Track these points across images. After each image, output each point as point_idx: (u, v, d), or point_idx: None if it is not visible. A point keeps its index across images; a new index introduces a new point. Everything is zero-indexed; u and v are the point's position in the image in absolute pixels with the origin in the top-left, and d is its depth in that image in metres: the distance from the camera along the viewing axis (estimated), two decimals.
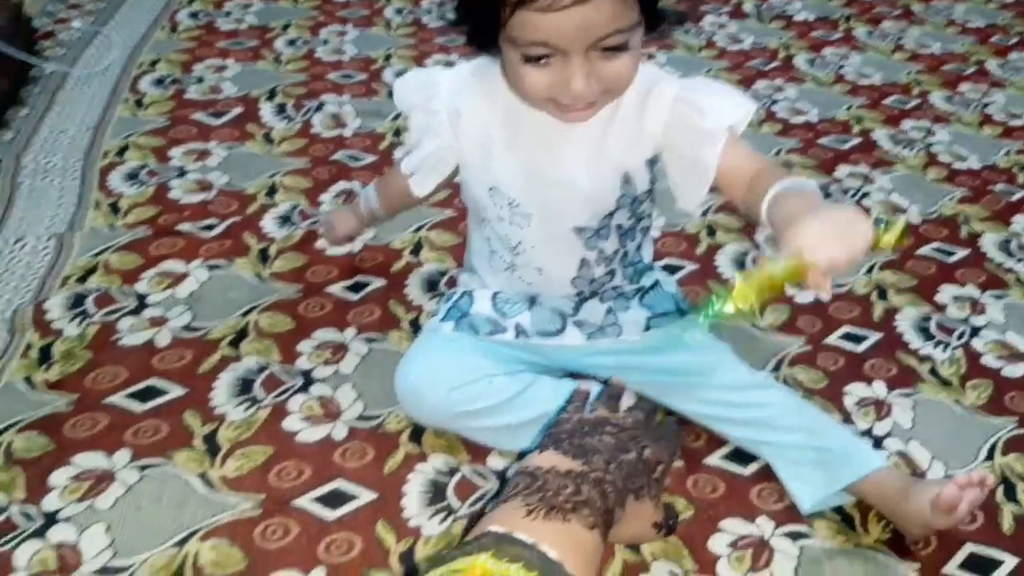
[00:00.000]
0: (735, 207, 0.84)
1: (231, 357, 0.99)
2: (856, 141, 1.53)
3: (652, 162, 0.81)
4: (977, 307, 1.14)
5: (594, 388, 0.79)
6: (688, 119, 0.76)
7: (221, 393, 0.95)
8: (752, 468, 0.89)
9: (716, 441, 0.90)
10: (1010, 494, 0.88)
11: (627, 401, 0.70)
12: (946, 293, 1.17)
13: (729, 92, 0.78)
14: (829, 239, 0.58)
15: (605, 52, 0.68)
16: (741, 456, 0.90)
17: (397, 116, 1.51)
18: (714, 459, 0.90)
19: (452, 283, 1.12)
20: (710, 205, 1.30)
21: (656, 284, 0.93)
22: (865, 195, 1.37)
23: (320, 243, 1.19)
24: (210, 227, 1.21)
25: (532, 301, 0.90)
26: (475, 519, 0.82)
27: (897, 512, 0.80)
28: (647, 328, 0.91)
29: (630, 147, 0.79)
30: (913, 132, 1.56)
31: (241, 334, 1.03)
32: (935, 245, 1.26)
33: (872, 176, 1.42)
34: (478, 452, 0.89)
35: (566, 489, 0.52)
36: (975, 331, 1.10)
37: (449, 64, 1.69)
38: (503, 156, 0.81)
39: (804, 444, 0.84)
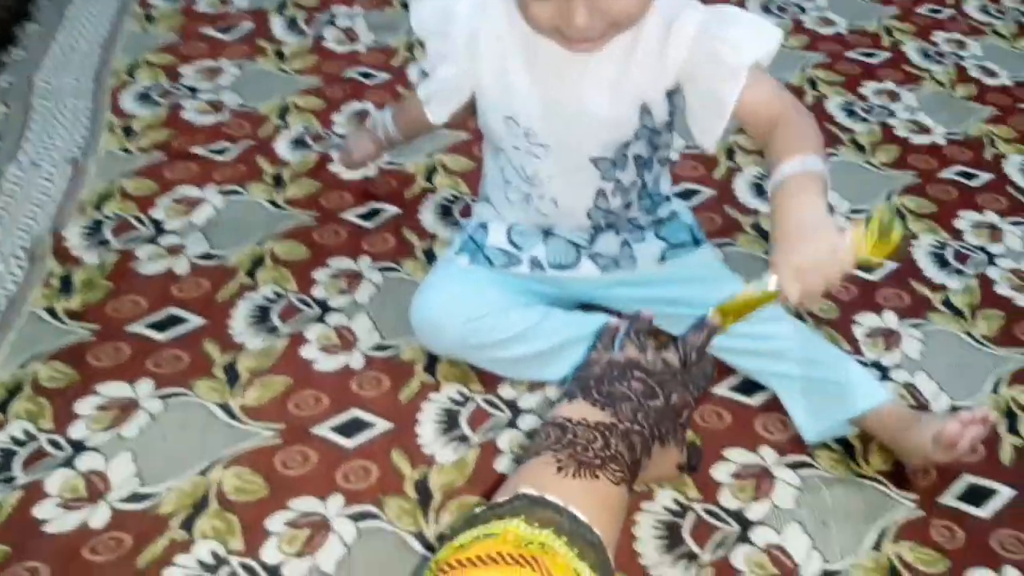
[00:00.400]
0: (754, 139, 0.83)
1: (248, 285, 1.01)
2: (885, 55, 1.47)
3: (672, 93, 0.79)
4: (996, 234, 1.13)
5: (623, 325, 0.78)
6: (711, 52, 0.74)
7: (239, 322, 0.97)
8: (758, 399, 0.91)
9: (724, 371, 0.92)
10: (1012, 426, 0.89)
11: (656, 343, 0.69)
12: (966, 219, 1.15)
13: (756, 22, 0.75)
14: (806, 273, 0.62)
15: None
16: (748, 387, 0.91)
17: (411, 29, 1.46)
18: (722, 389, 0.92)
19: (466, 211, 1.12)
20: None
21: (672, 215, 0.93)
22: (891, 113, 1.33)
23: (334, 167, 1.18)
24: (224, 151, 1.21)
25: (547, 233, 0.90)
26: (490, 448, 0.85)
27: (899, 444, 0.82)
28: (662, 260, 0.91)
29: (650, 77, 0.77)
30: (944, 45, 1.50)
31: (258, 262, 1.04)
32: (958, 168, 1.24)
33: (899, 93, 1.38)
34: (490, 381, 0.91)
35: (595, 443, 0.53)
36: (991, 259, 1.09)
37: None
38: (520, 84, 0.79)
39: (812, 376, 0.85)
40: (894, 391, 0.92)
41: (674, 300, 0.88)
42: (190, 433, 0.85)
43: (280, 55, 1.40)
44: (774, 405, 0.89)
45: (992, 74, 1.44)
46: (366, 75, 1.36)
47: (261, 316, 0.98)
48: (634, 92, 0.78)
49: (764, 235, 1.11)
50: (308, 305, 0.99)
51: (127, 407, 0.88)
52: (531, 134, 0.81)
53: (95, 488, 0.80)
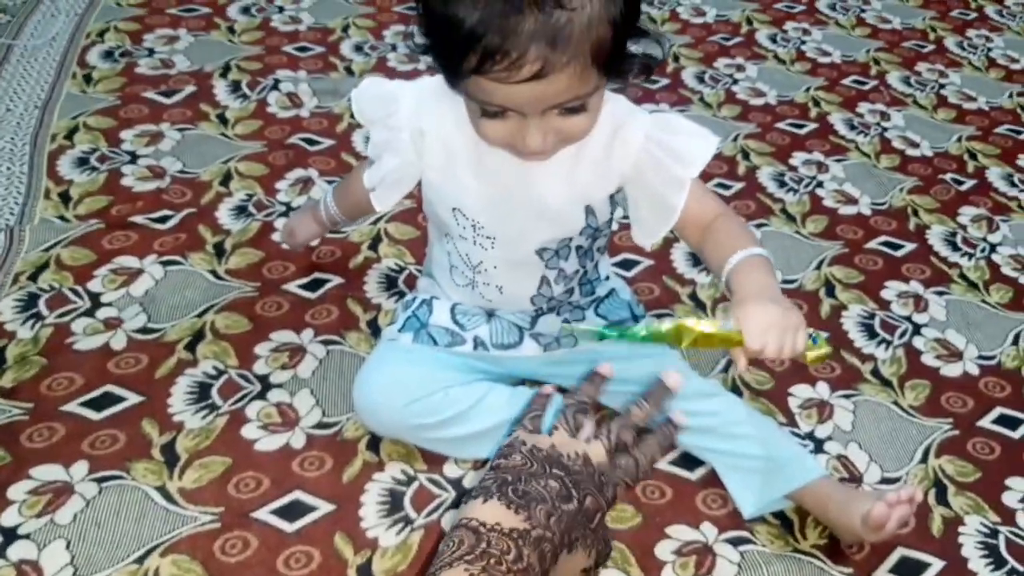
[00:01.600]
0: (689, 245, 0.87)
1: (188, 361, 1.00)
2: (813, 126, 1.54)
3: (614, 195, 0.83)
4: (920, 304, 1.18)
5: (555, 397, 0.79)
6: (658, 162, 0.78)
7: (178, 399, 0.95)
8: (699, 473, 0.92)
9: None
10: (941, 497, 0.93)
11: (588, 430, 0.70)
12: (892, 289, 1.20)
13: (698, 132, 0.79)
14: (771, 333, 0.67)
15: (564, 111, 0.68)
16: (688, 461, 0.93)
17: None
18: (662, 464, 0.93)
19: (412, 282, 1.12)
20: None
21: (611, 292, 0.95)
22: (819, 184, 1.39)
23: (277, 236, 1.18)
24: (164, 219, 1.19)
25: (490, 314, 0.91)
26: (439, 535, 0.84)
27: (832, 521, 0.85)
28: (600, 339, 0.92)
29: (595, 181, 0.80)
30: (869, 116, 1.58)
31: (198, 336, 1.03)
32: (884, 239, 1.29)
33: (826, 164, 1.44)
34: (435, 460, 0.91)
35: (508, 555, 0.54)
36: (917, 329, 1.14)
37: (408, 36, 1.66)
38: (468, 179, 0.81)
39: (749, 452, 0.87)
40: (828, 463, 0.95)
41: (615, 378, 0.90)
42: (126, 519, 0.83)
43: (223, 119, 1.40)
44: (714, 479, 0.91)
45: (914, 144, 1.51)
46: (310, 141, 1.37)
47: (201, 393, 0.96)
48: (580, 193, 0.81)
49: (701, 305, 1.15)
50: (249, 381, 0.98)
51: (61, 491, 0.85)
52: (478, 226, 0.83)
53: None
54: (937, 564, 0.86)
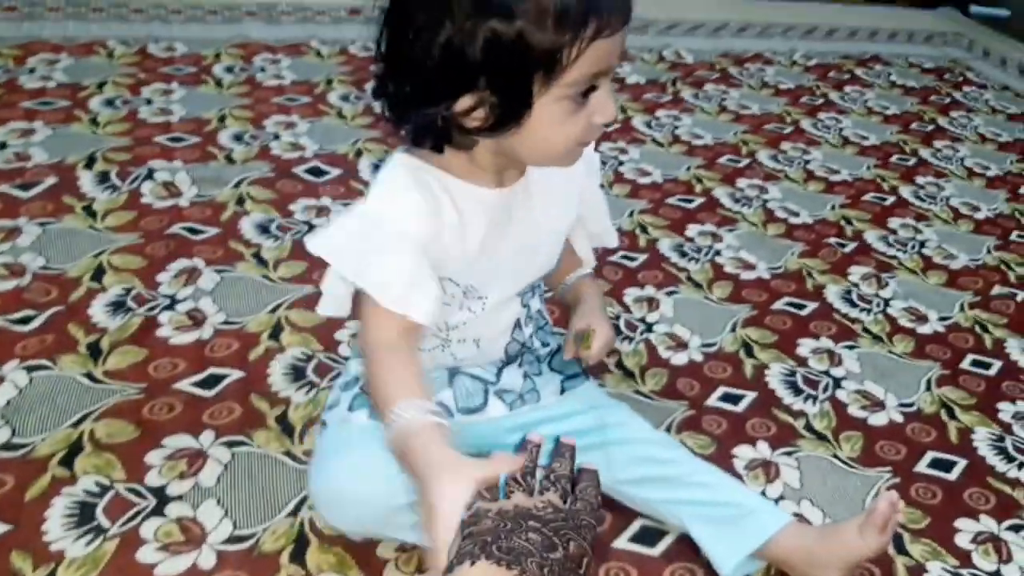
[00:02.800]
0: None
1: (64, 479, 0.84)
2: (700, 200, 1.58)
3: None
4: (835, 358, 1.20)
5: (545, 443, 0.71)
6: (594, 180, 0.86)
7: (55, 525, 0.80)
8: (661, 547, 0.86)
9: (620, 522, 0.87)
10: (900, 547, 0.91)
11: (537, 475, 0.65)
12: (805, 346, 1.21)
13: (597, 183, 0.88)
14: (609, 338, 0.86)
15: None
16: (649, 536, 0.87)
17: (240, 183, 1.39)
18: (621, 542, 0.86)
19: (323, 370, 1.02)
20: None
21: (558, 347, 0.92)
22: (717, 253, 1.42)
23: (162, 331, 1.05)
24: (27, 319, 1.04)
25: (452, 373, 0.84)
26: None
27: (815, 562, 0.80)
28: (562, 391, 0.90)
29: (568, 209, 0.83)
30: (749, 190, 1.65)
31: (75, 448, 0.88)
32: (787, 299, 1.32)
33: (720, 234, 1.47)
34: (373, 569, 0.80)
35: None
36: (837, 382, 1.15)
37: (290, 126, 1.60)
38: (460, 247, 0.74)
39: (718, 499, 0.84)
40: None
41: (578, 431, 0.84)
42: None
43: (90, 212, 1.26)
44: (678, 553, 0.85)
45: (795, 213, 1.58)
46: (192, 230, 1.26)
47: (83, 515, 0.81)
48: (562, 226, 0.83)
49: (629, 373, 1.11)
50: (141, 496, 0.84)
51: None
52: (470, 290, 0.77)
53: None
54: None
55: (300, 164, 1.48)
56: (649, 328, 1.20)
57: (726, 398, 1.09)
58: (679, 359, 1.15)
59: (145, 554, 0.78)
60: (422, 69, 0.64)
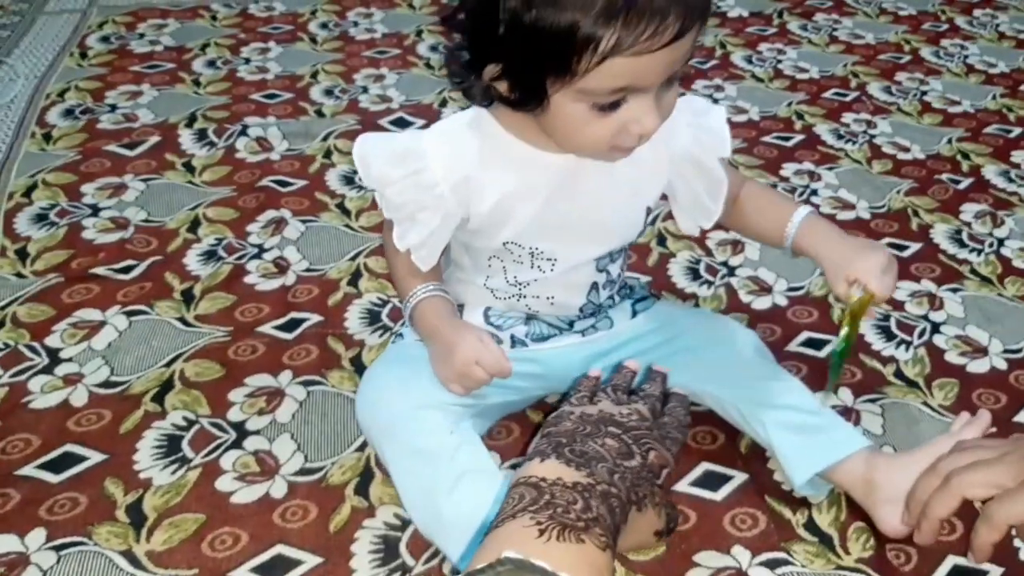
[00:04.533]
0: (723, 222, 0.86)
1: (155, 413, 0.91)
2: (799, 138, 1.50)
3: (665, 189, 0.81)
4: (935, 302, 1.12)
5: (599, 377, 0.72)
6: (704, 145, 0.78)
7: (145, 455, 0.86)
8: (724, 492, 0.84)
9: (683, 467, 0.86)
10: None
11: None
12: (904, 289, 1.14)
13: (710, 106, 0.80)
14: (887, 274, 0.75)
15: (668, 81, 0.64)
16: (710, 481, 0.85)
17: (327, 136, 1.43)
18: (682, 485, 0.85)
19: (396, 315, 1.05)
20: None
21: (634, 287, 0.94)
22: (814, 192, 1.34)
23: (249, 278, 1.11)
24: (128, 269, 1.12)
25: (529, 317, 0.85)
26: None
27: (892, 481, 0.77)
28: (634, 315, 0.89)
29: (651, 179, 0.78)
30: (855, 125, 1.55)
31: (166, 386, 0.94)
32: (887, 240, 1.24)
33: (818, 173, 1.39)
34: None
35: (576, 505, 0.48)
36: (936, 327, 1.07)
37: (379, 79, 1.62)
38: (523, 211, 0.74)
39: (803, 407, 0.82)
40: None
41: (655, 346, 0.87)
42: None
43: (189, 168, 1.34)
44: (741, 498, 0.83)
45: (904, 149, 1.47)
46: (281, 183, 1.31)
47: (170, 447, 0.87)
48: (640, 196, 0.79)
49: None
50: (223, 430, 0.90)
51: (15, 563, 0.76)
52: (537, 252, 0.77)
53: None
54: (995, 571, 0.78)
55: (386, 115, 1.50)
56: (731, 272, 1.16)
57: (809, 343, 1.04)
58: (761, 303, 1.10)
59: (224, 483, 0.84)
60: (464, 29, 0.66)
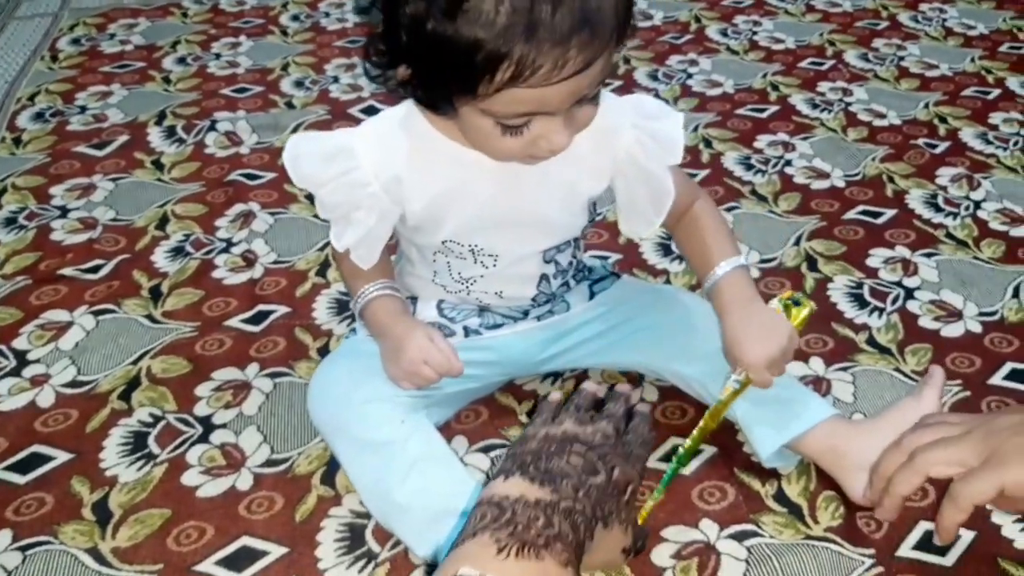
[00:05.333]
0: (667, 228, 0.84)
1: (122, 411, 0.91)
2: (774, 109, 1.49)
3: (609, 187, 0.79)
4: (909, 267, 1.11)
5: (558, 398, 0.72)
6: (648, 150, 0.74)
7: (112, 453, 0.86)
8: (692, 466, 0.84)
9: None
10: None
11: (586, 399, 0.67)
12: (877, 256, 1.13)
13: (667, 111, 0.76)
14: (778, 363, 0.73)
15: (582, 100, 0.63)
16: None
17: (297, 127, 1.42)
18: (651, 461, 0.84)
19: None
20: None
21: (592, 268, 0.92)
22: (788, 163, 1.33)
23: (217, 273, 1.10)
24: (96, 268, 1.11)
25: (482, 309, 0.84)
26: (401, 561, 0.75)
27: (847, 462, 0.77)
28: (591, 296, 0.88)
29: (590, 178, 0.76)
30: (830, 94, 1.53)
31: (133, 383, 0.94)
32: (861, 208, 1.22)
33: (792, 143, 1.38)
34: None
35: (537, 522, 0.48)
36: (909, 293, 1.06)
37: (350, 68, 1.61)
38: (459, 210, 0.73)
39: (767, 393, 0.79)
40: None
41: (613, 327, 0.86)
42: None
43: (158, 165, 1.33)
44: (710, 471, 0.83)
45: (880, 115, 1.46)
46: (250, 176, 1.30)
47: (136, 443, 0.87)
48: (578, 194, 0.77)
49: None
50: (190, 425, 0.89)
51: None
52: (478, 249, 0.76)
53: None
54: (965, 535, 0.77)
55: (356, 104, 1.49)
56: None
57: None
58: None
59: (189, 477, 0.83)
60: (380, 24, 0.63)
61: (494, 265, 0.78)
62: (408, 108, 0.72)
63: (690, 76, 1.60)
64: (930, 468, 0.57)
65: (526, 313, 0.84)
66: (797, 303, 0.76)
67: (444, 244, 0.76)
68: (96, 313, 1.04)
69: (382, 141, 0.72)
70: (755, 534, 0.77)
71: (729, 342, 0.75)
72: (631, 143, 0.74)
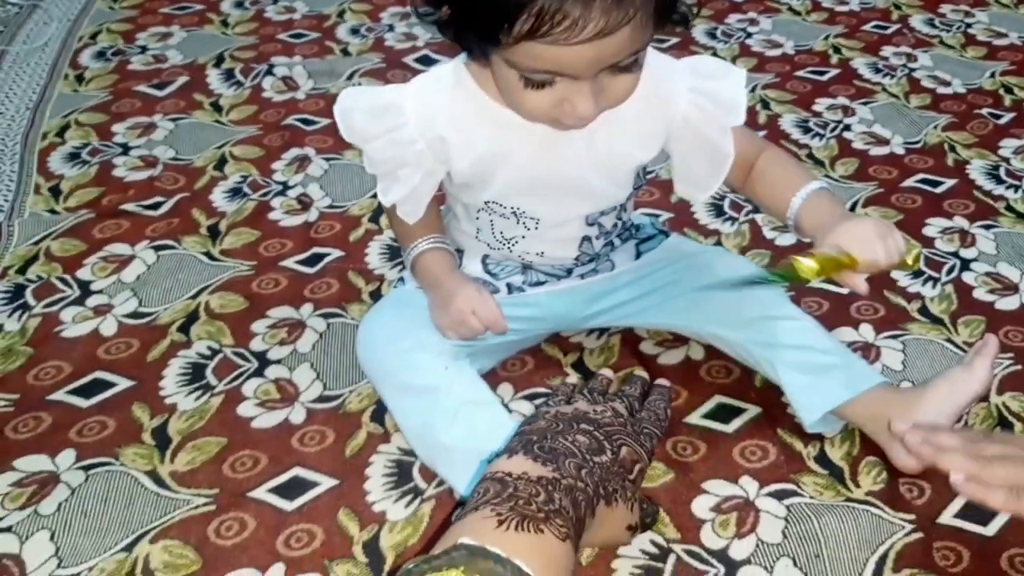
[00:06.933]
0: (731, 186, 0.82)
1: (181, 343, 0.94)
2: (835, 72, 1.45)
3: (661, 153, 0.78)
4: (967, 239, 1.09)
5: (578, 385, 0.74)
6: (707, 113, 0.73)
7: (171, 382, 0.89)
8: (734, 425, 0.84)
9: (696, 400, 0.86)
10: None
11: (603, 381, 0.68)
12: (934, 226, 1.11)
13: (728, 70, 0.74)
14: (876, 242, 0.67)
15: (615, 70, 0.61)
16: (722, 414, 0.85)
17: (352, 75, 1.43)
18: (694, 418, 0.85)
19: None
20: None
21: (640, 227, 0.91)
22: (847, 128, 1.31)
23: (273, 214, 1.13)
24: (156, 205, 1.14)
25: (526, 267, 0.84)
26: (445, 520, 0.77)
27: (904, 414, 0.75)
28: (638, 256, 0.88)
29: (638, 145, 0.75)
30: (894, 59, 1.49)
31: (191, 317, 0.97)
32: (920, 176, 1.20)
33: (852, 108, 1.35)
34: None
35: (538, 497, 0.49)
36: (965, 264, 1.05)
37: (404, 16, 1.61)
38: (501, 173, 0.74)
39: (813, 346, 0.81)
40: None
41: (658, 288, 0.86)
42: (113, 506, 0.77)
43: (217, 107, 1.35)
44: (752, 431, 0.83)
45: (945, 83, 1.42)
46: (306, 121, 1.32)
47: (194, 374, 0.90)
48: (624, 161, 0.75)
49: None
50: (245, 359, 0.92)
51: (46, 481, 0.79)
52: (519, 212, 0.76)
53: (9, 573, 0.71)
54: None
55: (411, 54, 1.49)
56: (757, 208, 1.14)
57: (835, 281, 1.02)
58: (785, 240, 1.08)
59: (245, 409, 0.86)
60: None
61: (536, 227, 0.78)
62: (456, 67, 0.72)
63: (749, 35, 1.57)
64: (991, 477, 0.57)
65: (569, 272, 0.85)
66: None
67: (487, 204, 0.76)
68: (157, 248, 1.07)
69: (428, 99, 0.72)
70: (795, 493, 0.78)
71: (823, 230, 0.69)
72: (688, 108, 0.73)
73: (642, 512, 0.61)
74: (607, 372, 0.69)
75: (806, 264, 0.65)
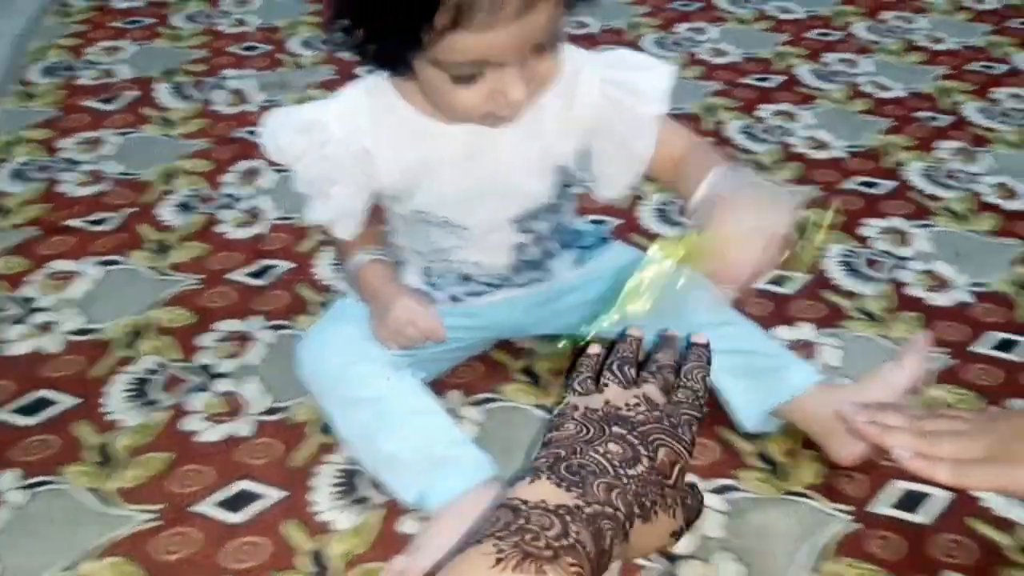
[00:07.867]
0: (661, 184, 0.82)
1: (127, 359, 0.93)
2: (780, 79, 1.49)
3: (582, 149, 0.77)
4: (904, 238, 1.12)
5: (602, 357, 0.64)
6: (619, 104, 0.71)
7: (116, 399, 0.89)
8: None
9: None
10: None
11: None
12: (871, 227, 1.14)
13: (652, 66, 0.73)
14: (751, 247, 0.59)
15: (539, 51, 0.62)
16: None
17: (306, 87, 1.43)
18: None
19: None
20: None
21: (578, 232, 0.90)
22: (790, 133, 1.34)
23: (221, 228, 1.12)
24: (103, 221, 1.14)
25: (465, 277, 0.85)
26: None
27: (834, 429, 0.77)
28: (578, 263, 0.88)
29: (560, 139, 0.74)
30: (836, 65, 1.53)
31: (138, 333, 0.97)
32: (860, 179, 1.23)
33: (796, 113, 1.38)
34: None
35: (549, 531, 0.43)
36: (903, 263, 1.08)
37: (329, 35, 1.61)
38: (428, 182, 0.74)
39: (748, 349, 0.82)
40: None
41: (602, 294, 0.85)
42: (58, 525, 0.77)
43: (166, 121, 1.34)
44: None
45: (885, 88, 1.46)
46: (256, 134, 1.31)
47: (140, 390, 0.90)
48: (547, 158, 0.75)
49: None
50: (193, 373, 0.92)
51: None
52: (449, 221, 0.77)
53: None
54: (941, 495, 0.79)
55: (363, 65, 1.49)
56: None
57: (775, 281, 1.05)
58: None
59: (192, 423, 0.86)
60: None
61: (467, 236, 0.78)
62: (375, 81, 0.71)
63: (696, 44, 1.59)
64: (937, 451, 0.56)
65: (508, 280, 0.85)
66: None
67: (418, 214, 0.77)
68: (104, 264, 1.06)
69: (351, 115, 0.72)
70: (735, 488, 0.80)
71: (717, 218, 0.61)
72: (598, 98, 0.72)
73: (686, 509, 0.54)
74: (635, 331, 0.61)
75: (670, 245, 0.60)
